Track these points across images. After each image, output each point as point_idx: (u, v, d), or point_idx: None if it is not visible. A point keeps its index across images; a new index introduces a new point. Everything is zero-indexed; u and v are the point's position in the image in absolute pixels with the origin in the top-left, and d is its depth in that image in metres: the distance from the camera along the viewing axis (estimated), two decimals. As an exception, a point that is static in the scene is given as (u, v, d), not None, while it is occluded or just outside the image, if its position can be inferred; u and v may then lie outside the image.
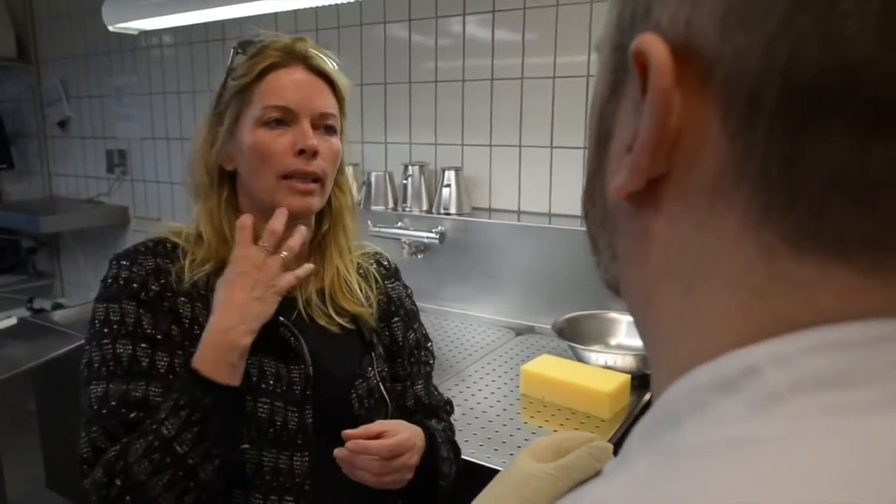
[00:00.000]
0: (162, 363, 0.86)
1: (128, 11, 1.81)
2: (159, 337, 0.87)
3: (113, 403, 0.83)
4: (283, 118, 0.90)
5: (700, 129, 0.24)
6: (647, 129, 0.24)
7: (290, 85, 0.90)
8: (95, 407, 0.83)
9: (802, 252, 0.22)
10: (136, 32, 2.04)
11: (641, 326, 0.30)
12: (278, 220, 0.87)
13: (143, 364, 0.85)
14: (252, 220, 0.88)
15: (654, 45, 0.24)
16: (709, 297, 0.25)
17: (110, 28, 1.87)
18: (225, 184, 0.95)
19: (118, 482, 0.78)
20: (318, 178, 0.92)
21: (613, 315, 1.65)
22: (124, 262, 0.91)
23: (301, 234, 0.90)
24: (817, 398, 0.21)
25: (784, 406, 0.21)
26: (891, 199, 0.21)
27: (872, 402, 0.20)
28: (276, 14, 2.27)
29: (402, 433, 0.88)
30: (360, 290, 1.02)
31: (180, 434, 0.79)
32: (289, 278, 0.87)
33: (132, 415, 0.82)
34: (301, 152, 0.89)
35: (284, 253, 0.87)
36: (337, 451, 0.82)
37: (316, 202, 0.93)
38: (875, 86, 0.20)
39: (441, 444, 0.98)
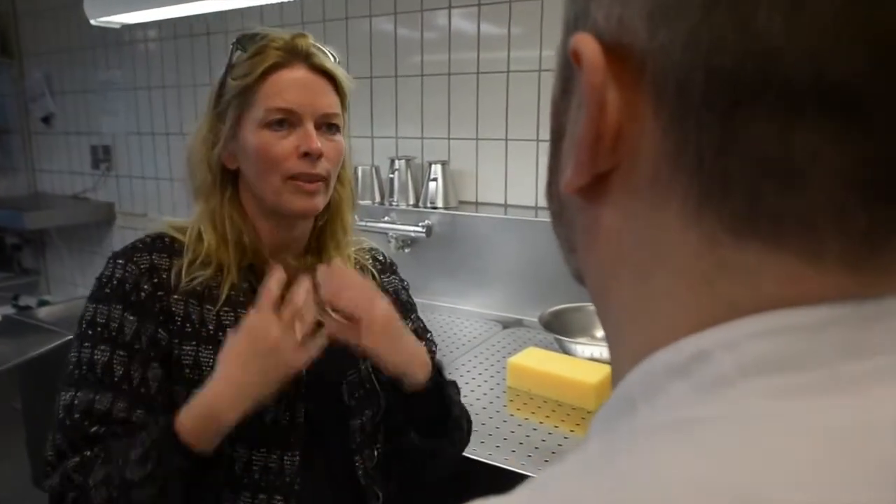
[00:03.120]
0: (136, 375, 0.86)
1: (110, 4, 1.79)
2: (138, 346, 0.86)
3: (76, 416, 0.84)
4: (286, 119, 0.89)
5: (637, 124, 0.24)
6: (583, 124, 0.25)
7: (292, 85, 0.89)
8: (61, 415, 0.85)
9: (742, 239, 0.23)
10: (118, 26, 2.03)
11: (602, 316, 0.30)
12: (274, 282, 0.82)
13: (116, 375, 0.85)
14: (280, 282, 0.81)
15: (585, 43, 0.25)
16: (662, 285, 0.25)
17: (93, 22, 1.85)
18: (228, 183, 0.94)
19: (71, 496, 0.81)
20: (322, 178, 0.91)
21: (600, 307, 1.65)
22: (120, 261, 0.90)
23: (306, 289, 0.83)
24: (762, 381, 0.22)
25: (731, 389, 0.22)
26: (816, 183, 0.22)
27: (812, 385, 0.21)
28: (261, 7, 2.26)
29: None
30: None
31: (142, 483, 0.78)
32: (304, 359, 0.81)
33: (93, 429, 0.84)
34: (305, 155, 0.88)
35: (298, 336, 0.81)
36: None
37: (320, 202, 0.92)
38: (786, 74, 0.21)
39: (448, 384, 0.97)
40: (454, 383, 1.02)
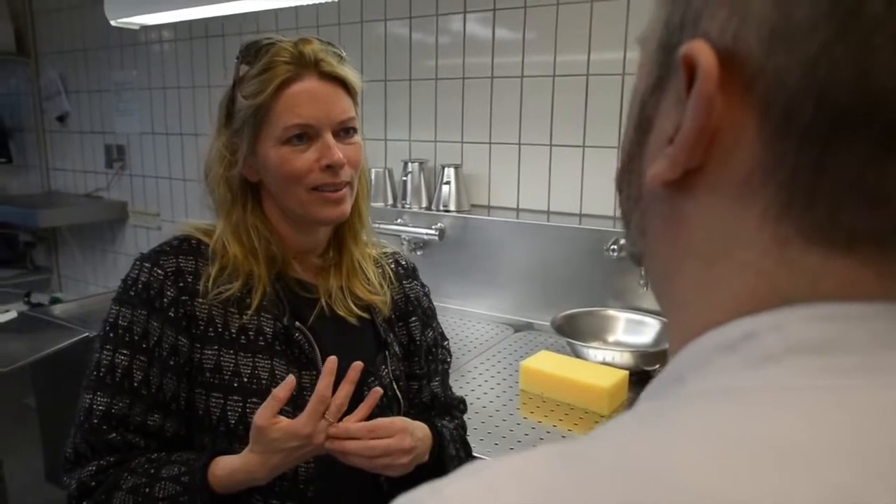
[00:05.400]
0: (154, 381, 0.88)
1: (131, 6, 1.81)
2: (158, 353, 0.88)
3: (95, 421, 0.86)
4: (305, 133, 0.89)
5: (737, 132, 0.26)
6: (688, 127, 0.27)
7: (306, 99, 0.89)
8: (81, 418, 0.88)
9: (812, 244, 0.25)
10: (137, 27, 2.05)
11: (661, 297, 0.33)
12: (342, 394, 0.84)
13: (136, 380, 0.87)
14: (328, 393, 0.82)
15: (703, 53, 0.26)
16: (724, 275, 0.28)
17: (112, 22, 1.87)
18: (248, 194, 0.95)
19: None
20: (347, 184, 0.92)
21: (611, 312, 1.66)
22: (146, 264, 0.91)
23: (346, 393, 0.85)
24: (806, 359, 0.24)
25: (776, 365, 0.24)
26: None
27: (854, 366, 0.23)
28: (276, 11, 2.28)
29: (389, 420, 0.88)
30: (375, 278, 1.02)
31: None
32: (319, 444, 0.83)
33: (111, 435, 0.86)
34: (328, 167, 0.89)
35: (332, 426, 0.84)
36: (326, 445, 0.83)
37: (347, 207, 0.93)
38: (895, 112, 0.23)
39: (449, 442, 0.99)
40: (457, 427, 1.05)
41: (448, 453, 0.97)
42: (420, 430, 0.92)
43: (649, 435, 0.23)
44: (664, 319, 0.35)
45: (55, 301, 2.85)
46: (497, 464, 0.24)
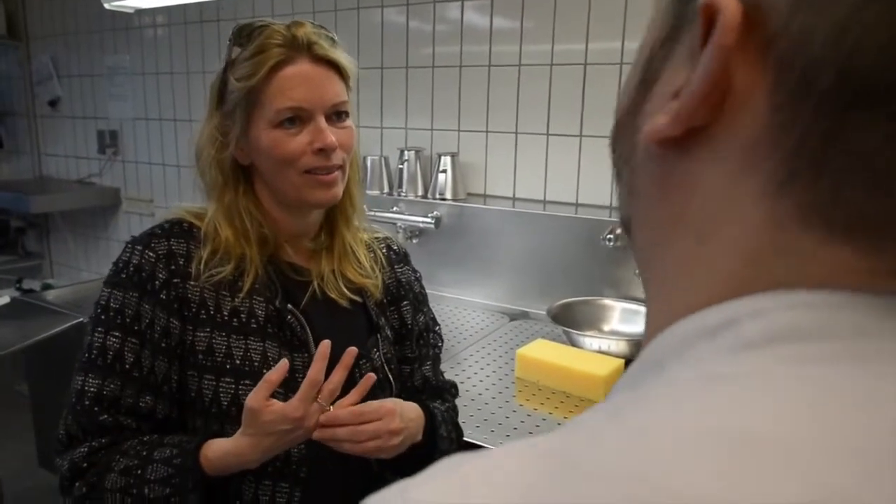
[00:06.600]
0: (146, 363, 0.88)
1: (125, -11, 1.79)
2: (150, 335, 0.88)
3: (86, 402, 0.87)
4: (297, 116, 0.89)
5: (748, 93, 0.24)
6: (698, 81, 0.25)
7: (299, 83, 0.89)
8: (73, 400, 0.88)
9: (809, 225, 0.24)
10: (132, 11, 2.03)
11: (644, 266, 0.31)
12: (335, 379, 0.84)
13: (127, 362, 0.87)
14: (320, 378, 0.82)
15: (727, 2, 0.24)
16: (714, 252, 0.26)
17: (106, 6, 1.85)
18: (240, 177, 0.95)
19: (84, 490, 0.86)
20: (339, 167, 0.92)
21: (607, 301, 1.67)
22: (138, 247, 0.91)
23: (340, 377, 0.85)
24: (785, 347, 0.23)
25: (754, 352, 0.23)
26: None
27: (836, 354, 0.22)
28: (272, -5, 2.26)
29: (379, 402, 0.89)
30: (366, 262, 1.03)
31: (156, 502, 0.83)
32: (311, 427, 0.84)
33: (102, 417, 0.87)
34: (320, 150, 0.89)
35: (327, 408, 0.84)
36: (315, 434, 0.83)
37: (339, 190, 0.94)
38: None
39: (441, 423, 0.99)
40: (448, 409, 1.05)
41: (440, 433, 0.98)
42: (412, 410, 0.93)
43: (630, 432, 0.22)
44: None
45: (47, 287, 2.83)
46: (471, 465, 0.23)
